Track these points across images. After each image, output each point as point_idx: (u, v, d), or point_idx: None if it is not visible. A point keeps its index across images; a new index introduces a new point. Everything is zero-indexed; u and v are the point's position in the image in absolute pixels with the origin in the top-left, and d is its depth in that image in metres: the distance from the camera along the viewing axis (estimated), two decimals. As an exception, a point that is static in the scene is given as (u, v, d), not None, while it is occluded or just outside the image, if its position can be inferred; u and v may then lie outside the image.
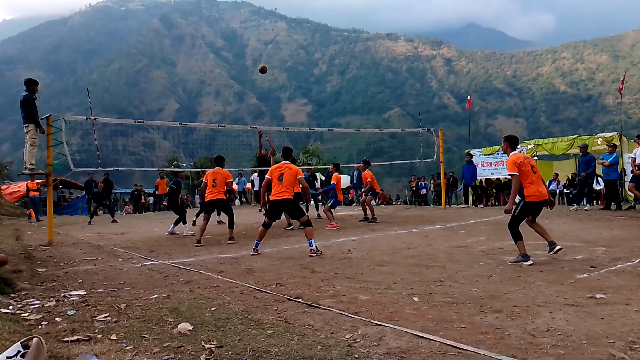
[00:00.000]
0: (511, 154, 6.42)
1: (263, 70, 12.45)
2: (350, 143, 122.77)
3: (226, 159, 10.22)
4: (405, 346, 3.16)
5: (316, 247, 7.27)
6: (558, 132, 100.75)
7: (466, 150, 18.92)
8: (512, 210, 6.37)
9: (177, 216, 11.18)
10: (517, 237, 6.22)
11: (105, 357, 2.94)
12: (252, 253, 7.43)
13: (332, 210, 11.76)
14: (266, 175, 7.94)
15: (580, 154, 14.15)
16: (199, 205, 25.33)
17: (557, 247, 6.25)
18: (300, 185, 8.12)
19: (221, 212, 12.64)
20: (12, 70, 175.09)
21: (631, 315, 3.69)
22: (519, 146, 18.11)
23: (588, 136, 16.87)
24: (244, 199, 26.28)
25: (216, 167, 9.67)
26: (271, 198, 7.66)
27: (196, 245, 8.75)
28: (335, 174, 12.32)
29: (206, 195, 9.45)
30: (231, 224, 9.40)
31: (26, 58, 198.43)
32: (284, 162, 7.84)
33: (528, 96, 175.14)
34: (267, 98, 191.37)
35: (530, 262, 5.92)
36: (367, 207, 12.41)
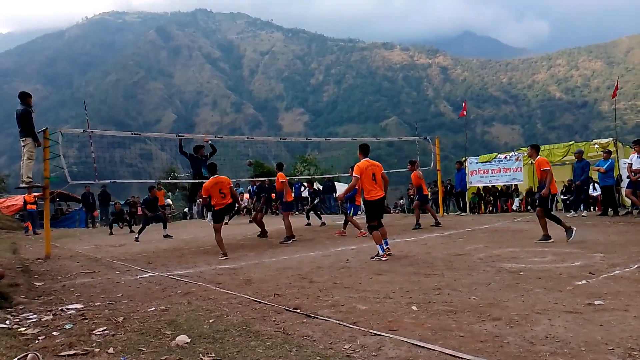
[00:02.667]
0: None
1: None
2: (347, 152, 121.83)
3: (224, 169, 10.10)
4: (404, 356, 3.16)
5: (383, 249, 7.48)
6: (554, 139, 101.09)
7: (462, 159, 18.99)
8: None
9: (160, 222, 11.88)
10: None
11: (102, 371, 2.93)
12: (384, 259, 7.29)
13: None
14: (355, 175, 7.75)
15: (575, 159, 14.22)
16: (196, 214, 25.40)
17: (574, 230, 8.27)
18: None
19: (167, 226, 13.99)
20: (9, 83, 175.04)
21: (630, 321, 3.68)
22: (514, 152, 18.27)
23: (584, 142, 16.92)
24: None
25: (215, 176, 9.05)
26: (368, 199, 7.69)
27: (224, 258, 8.48)
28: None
29: (216, 205, 8.99)
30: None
31: (23, 71, 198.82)
32: (367, 159, 7.79)
33: (524, 103, 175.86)
34: (264, 108, 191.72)
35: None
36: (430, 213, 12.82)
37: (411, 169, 12.86)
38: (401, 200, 28.74)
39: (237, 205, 11.44)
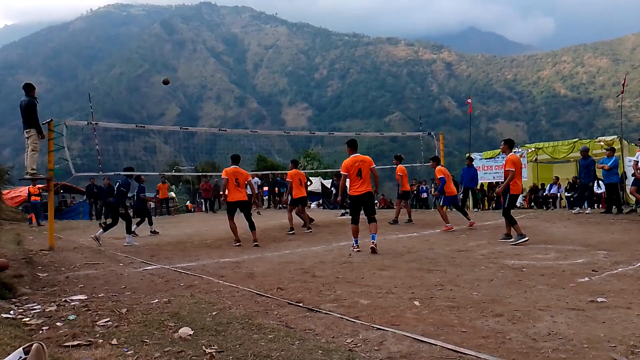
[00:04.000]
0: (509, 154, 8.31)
1: (166, 82, 12.38)
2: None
3: (227, 163, 10.08)
4: (406, 351, 3.16)
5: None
6: (559, 136, 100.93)
7: (467, 154, 18.92)
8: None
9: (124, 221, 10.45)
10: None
11: (106, 362, 2.94)
12: (356, 250, 7.70)
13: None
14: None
15: (581, 157, 14.17)
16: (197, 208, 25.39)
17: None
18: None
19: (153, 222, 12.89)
20: (14, 76, 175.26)
21: (632, 319, 3.68)
22: (518, 149, 18.22)
23: (589, 140, 16.88)
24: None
25: (234, 166, 9.44)
26: (352, 194, 7.84)
27: (237, 245, 8.98)
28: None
29: (229, 195, 9.25)
30: (252, 226, 9.33)
31: (27, 63, 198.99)
32: (356, 155, 7.92)
33: (528, 100, 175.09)
34: (268, 102, 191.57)
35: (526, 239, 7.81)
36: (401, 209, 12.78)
37: (396, 163, 12.94)
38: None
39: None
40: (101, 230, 10.19)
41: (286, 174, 13.54)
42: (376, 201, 12.03)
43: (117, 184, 10.78)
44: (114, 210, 10.66)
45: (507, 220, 8.53)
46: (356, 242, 7.84)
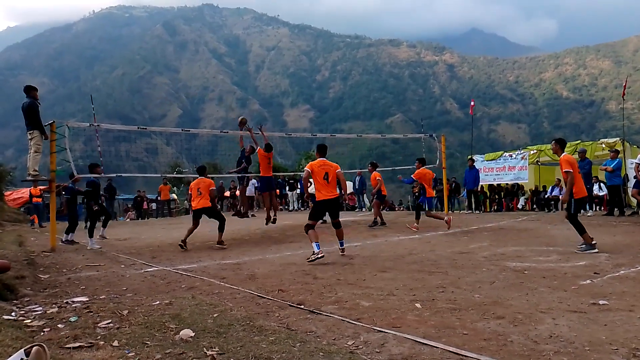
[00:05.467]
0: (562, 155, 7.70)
1: (242, 123, 12.21)
2: (353, 149, 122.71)
3: (229, 164, 10.28)
4: (407, 353, 3.16)
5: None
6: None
7: (469, 156, 18.90)
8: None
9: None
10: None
11: (107, 364, 2.94)
12: (320, 255, 7.06)
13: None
14: (307, 168, 7.91)
15: (579, 159, 14.17)
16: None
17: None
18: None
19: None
20: (16, 77, 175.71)
21: (634, 321, 3.67)
22: (520, 151, 18.19)
23: (591, 142, 16.83)
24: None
25: (199, 177, 9.91)
26: (319, 198, 7.70)
27: (180, 245, 9.05)
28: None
29: (192, 204, 9.87)
30: (221, 228, 9.53)
31: (30, 64, 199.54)
32: (323, 159, 7.85)
33: (530, 102, 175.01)
34: (270, 104, 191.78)
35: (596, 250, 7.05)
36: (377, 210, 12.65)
37: (371, 169, 13.07)
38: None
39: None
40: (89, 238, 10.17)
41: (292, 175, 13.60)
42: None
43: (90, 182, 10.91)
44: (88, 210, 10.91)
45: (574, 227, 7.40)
46: (318, 246, 7.18)
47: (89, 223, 10.70)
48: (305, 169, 7.97)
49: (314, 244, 7.23)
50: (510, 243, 8.50)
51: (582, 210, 14.28)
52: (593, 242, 7.17)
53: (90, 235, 10.13)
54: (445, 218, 11.48)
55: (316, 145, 8.19)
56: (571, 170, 7.38)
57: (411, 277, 5.73)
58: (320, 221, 11.65)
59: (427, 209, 11.83)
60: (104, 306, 4.50)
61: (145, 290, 5.44)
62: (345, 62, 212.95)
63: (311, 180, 7.92)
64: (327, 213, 8.07)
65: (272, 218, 11.62)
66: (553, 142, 8.34)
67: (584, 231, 7.25)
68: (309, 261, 7.04)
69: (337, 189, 7.78)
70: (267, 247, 9.28)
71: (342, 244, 7.81)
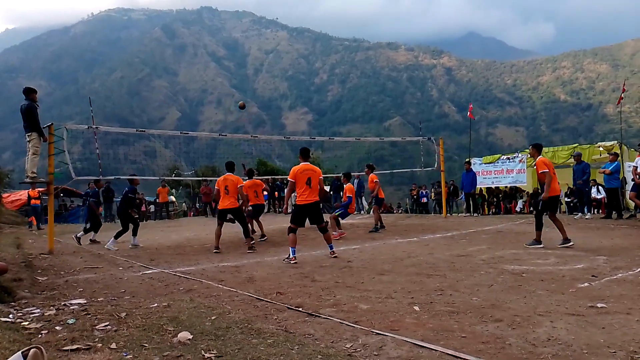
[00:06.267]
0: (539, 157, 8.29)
1: (242, 107, 12.21)
2: (351, 152, 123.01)
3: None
4: (405, 356, 3.16)
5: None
6: (558, 141, 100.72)
7: (466, 159, 18.93)
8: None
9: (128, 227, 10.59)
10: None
11: (105, 366, 2.94)
12: (293, 261, 7.29)
13: (339, 219, 11.64)
14: (289, 179, 7.78)
15: (575, 162, 14.22)
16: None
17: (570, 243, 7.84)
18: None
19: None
20: (14, 79, 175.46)
21: (632, 324, 3.68)
22: (517, 154, 18.22)
23: (588, 145, 16.87)
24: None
25: (227, 174, 9.54)
26: (299, 202, 7.67)
27: (215, 252, 8.93)
28: (348, 185, 12.09)
29: (219, 203, 9.43)
30: (246, 233, 9.34)
31: (28, 67, 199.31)
32: (306, 164, 7.80)
33: (528, 105, 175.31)
34: (268, 107, 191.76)
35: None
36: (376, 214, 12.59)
37: (368, 172, 12.89)
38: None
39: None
40: (113, 239, 10.24)
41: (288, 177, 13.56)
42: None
43: (125, 190, 10.85)
44: (122, 216, 10.77)
45: (558, 223, 8.20)
46: (293, 252, 7.44)
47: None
48: (289, 179, 7.78)
49: (290, 249, 7.51)
50: (509, 246, 8.51)
51: (579, 213, 14.37)
52: (541, 239, 8.14)
53: (117, 237, 10.27)
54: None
55: (299, 149, 8.12)
56: (547, 171, 8.11)
57: (409, 280, 5.73)
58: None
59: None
60: (101, 309, 4.49)
61: (143, 292, 5.43)
62: (344, 65, 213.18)
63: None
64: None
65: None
66: (530, 147, 9.12)
67: (540, 229, 8.24)
68: (283, 260, 7.47)
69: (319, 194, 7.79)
70: (265, 250, 9.27)
71: (331, 247, 7.81)
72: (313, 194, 7.66)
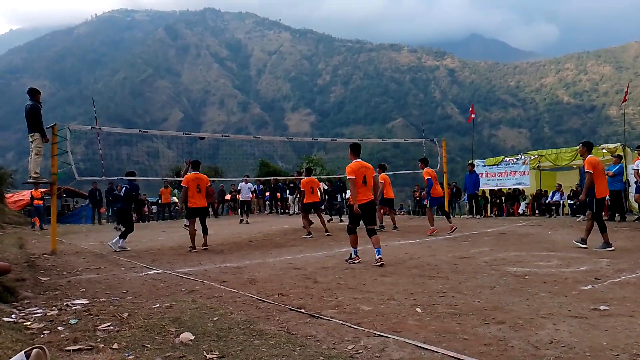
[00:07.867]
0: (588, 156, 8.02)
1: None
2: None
3: (230, 168, 10.22)
4: (407, 357, 3.15)
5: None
6: (562, 143, 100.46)
7: (469, 161, 18.90)
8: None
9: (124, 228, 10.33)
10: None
11: (107, 367, 2.94)
12: (357, 261, 7.21)
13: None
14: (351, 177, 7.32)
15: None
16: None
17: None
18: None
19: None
20: (18, 80, 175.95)
21: (635, 327, 3.66)
22: (521, 156, 18.19)
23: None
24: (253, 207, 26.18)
25: (196, 172, 9.67)
26: (357, 201, 7.21)
27: (190, 251, 9.19)
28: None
29: (189, 202, 9.52)
30: (205, 231, 9.62)
31: (32, 67, 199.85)
32: (359, 160, 7.44)
33: (531, 107, 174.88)
34: (271, 108, 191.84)
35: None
36: (389, 216, 12.82)
37: (379, 171, 12.81)
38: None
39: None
40: (118, 238, 10.03)
41: (293, 179, 13.70)
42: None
43: (124, 188, 10.61)
44: (125, 215, 10.61)
45: (597, 225, 8.15)
46: (355, 252, 7.32)
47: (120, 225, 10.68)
48: (348, 177, 7.33)
49: (352, 249, 7.41)
50: (511, 248, 8.49)
51: (582, 216, 14.30)
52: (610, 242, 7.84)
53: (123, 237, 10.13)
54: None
55: (350, 145, 7.60)
56: (591, 172, 7.89)
57: (412, 281, 5.73)
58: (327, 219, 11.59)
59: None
60: (104, 309, 4.50)
61: (145, 293, 5.44)
62: (347, 66, 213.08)
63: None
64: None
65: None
66: (580, 145, 8.83)
67: (604, 230, 7.97)
68: (346, 261, 7.36)
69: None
70: (267, 250, 9.27)
71: (378, 252, 7.15)
72: (369, 192, 7.35)
